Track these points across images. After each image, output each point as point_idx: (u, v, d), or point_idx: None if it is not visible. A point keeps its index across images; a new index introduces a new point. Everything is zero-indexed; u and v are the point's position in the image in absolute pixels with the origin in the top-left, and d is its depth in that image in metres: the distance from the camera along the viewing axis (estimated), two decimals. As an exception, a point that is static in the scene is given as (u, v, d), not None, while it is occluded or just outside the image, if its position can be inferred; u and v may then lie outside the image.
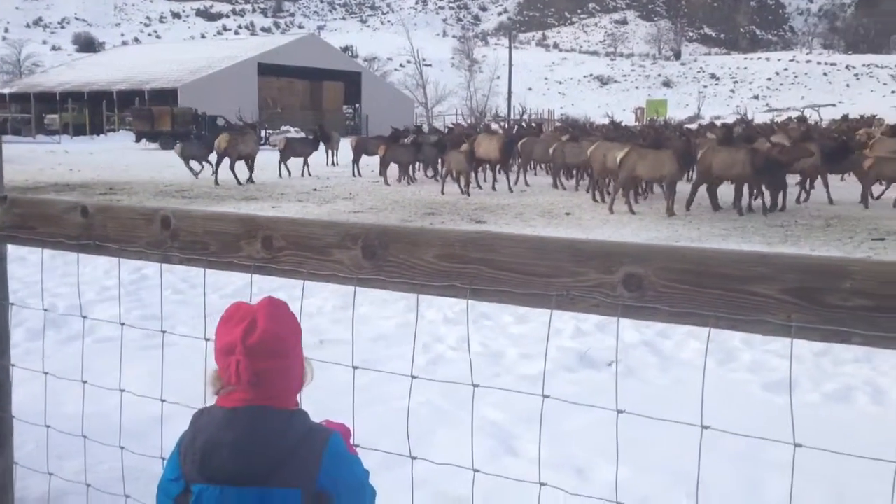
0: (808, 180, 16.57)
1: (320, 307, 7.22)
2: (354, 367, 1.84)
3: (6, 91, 64.38)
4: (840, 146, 16.03)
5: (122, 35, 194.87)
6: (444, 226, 13.08)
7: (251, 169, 20.90)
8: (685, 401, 4.85)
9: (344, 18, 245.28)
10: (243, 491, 1.53)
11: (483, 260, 1.45)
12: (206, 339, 1.91)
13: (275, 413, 1.57)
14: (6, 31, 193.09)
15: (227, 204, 16.23)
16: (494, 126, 39.26)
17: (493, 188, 19.07)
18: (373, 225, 1.60)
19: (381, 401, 4.77)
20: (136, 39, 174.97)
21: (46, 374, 2.39)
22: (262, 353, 1.55)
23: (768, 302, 1.24)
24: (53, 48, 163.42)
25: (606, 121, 37.58)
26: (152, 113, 44.59)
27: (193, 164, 22.07)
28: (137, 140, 44.25)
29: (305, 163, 23.69)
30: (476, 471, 1.86)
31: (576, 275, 1.36)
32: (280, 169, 22.77)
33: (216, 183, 19.96)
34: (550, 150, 19.51)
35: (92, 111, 55.49)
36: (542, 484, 1.74)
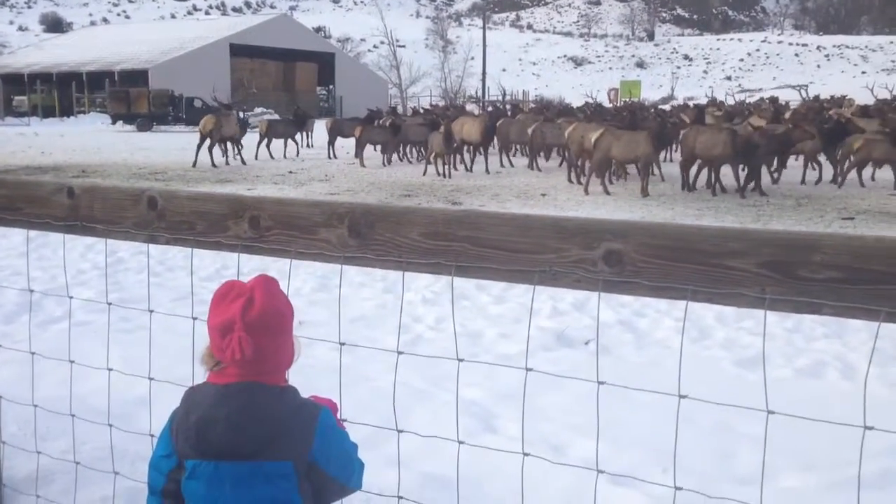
0: (783, 161, 16.75)
1: (298, 288, 7.23)
2: (342, 344, 1.88)
3: (-28, 72, 63.13)
4: (838, 128, 16.19)
5: (91, 15, 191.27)
6: (421, 206, 13.12)
7: (236, 150, 20.94)
8: (661, 377, 4.96)
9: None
10: (237, 465, 1.56)
11: (469, 237, 1.50)
12: (194, 319, 1.94)
13: (266, 389, 1.61)
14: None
15: (202, 186, 16.13)
16: (469, 107, 39.22)
17: (470, 170, 19.10)
18: (359, 204, 1.63)
19: (362, 380, 4.83)
20: (105, 20, 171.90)
21: (33, 354, 2.39)
22: (261, 329, 1.58)
23: (744, 276, 1.29)
24: (20, 28, 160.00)
25: (582, 102, 37.66)
26: (129, 94, 44.27)
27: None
28: (114, 122, 43.72)
29: (286, 144, 23.65)
30: (461, 442, 1.91)
31: (559, 251, 1.41)
32: (258, 151, 22.64)
33: (194, 165, 19.90)
34: (529, 132, 19.51)
35: (61, 93, 54.62)
36: (525, 454, 1.79)
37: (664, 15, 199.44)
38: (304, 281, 7.40)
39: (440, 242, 1.52)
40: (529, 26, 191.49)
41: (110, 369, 2.37)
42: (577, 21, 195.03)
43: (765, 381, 1.49)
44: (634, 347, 5.88)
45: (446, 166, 17.63)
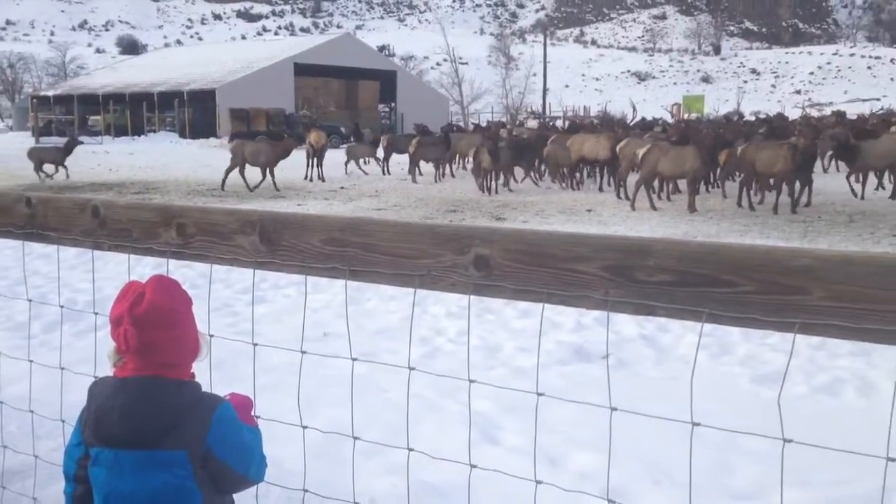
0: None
1: (328, 302, 7.39)
2: (254, 344, 1.97)
3: (50, 93, 65.77)
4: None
5: (165, 37, 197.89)
6: (464, 222, 13.19)
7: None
8: (674, 392, 4.93)
9: (382, 17, 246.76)
10: (134, 453, 1.68)
11: (360, 244, 1.59)
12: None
13: (163, 382, 1.72)
14: (52, 34, 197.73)
15: (253, 202, 16.49)
16: (531, 123, 39.25)
17: (507, 187, 18.69)
18: (267, 212, 1.73)
19: (376, 391, 4.97)
20: (179, 41, 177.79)
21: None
22: (149, 324, 1.69)
23: (590, 279, 1.34)
24: (98, 51, 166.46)
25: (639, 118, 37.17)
26: (248, 113, 47.84)
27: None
28: (231, 140, 45.66)
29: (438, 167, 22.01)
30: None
31: (435, 256, 1.49)
32: (415, 173, 21.39)
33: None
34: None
35: (133, 112, 56.56)
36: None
37: (731, 28, 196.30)
38: (334, 295, 7.56)
39: (336, 248, 1.62)
40: (593, 42, 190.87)
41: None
42: (642, 36, 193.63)
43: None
44: (654, 363, 5.85)
45: (493, 182, 17.64)
